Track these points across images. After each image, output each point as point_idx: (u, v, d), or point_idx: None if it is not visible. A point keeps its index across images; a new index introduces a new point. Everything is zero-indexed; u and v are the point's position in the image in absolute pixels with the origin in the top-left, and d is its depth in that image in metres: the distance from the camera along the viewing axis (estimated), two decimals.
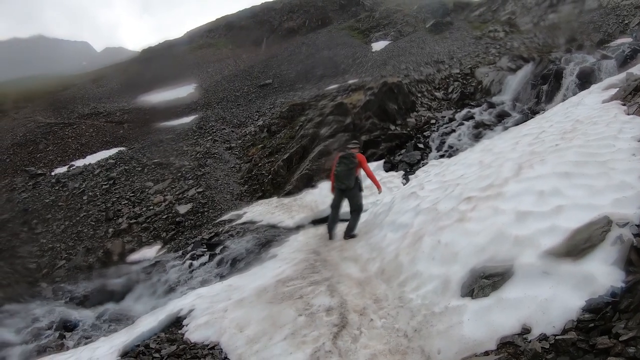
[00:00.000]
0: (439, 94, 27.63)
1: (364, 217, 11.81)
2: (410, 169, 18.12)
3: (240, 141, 31.29)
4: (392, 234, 8.43)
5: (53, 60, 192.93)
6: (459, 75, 29.54)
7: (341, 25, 53.21)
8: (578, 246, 5.01)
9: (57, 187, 28.11)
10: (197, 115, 38.55)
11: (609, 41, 28.13)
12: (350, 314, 6.02)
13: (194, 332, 6.90)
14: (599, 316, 4.14)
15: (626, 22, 31.51)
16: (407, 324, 5.53)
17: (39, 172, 31.18)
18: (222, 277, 12.50)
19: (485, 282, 5.38)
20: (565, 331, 4.18)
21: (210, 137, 32.72)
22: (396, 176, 17.39)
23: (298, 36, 54.34)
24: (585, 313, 4.25)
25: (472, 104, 24.87)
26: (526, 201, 6.52)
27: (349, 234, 10.38)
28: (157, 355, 6.39)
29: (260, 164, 25.73)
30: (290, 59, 46.86)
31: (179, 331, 7.26)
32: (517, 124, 17.47)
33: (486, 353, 4.48)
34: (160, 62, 57.56)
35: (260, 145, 28.44)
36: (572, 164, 7.15)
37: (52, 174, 30.89)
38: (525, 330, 4.46)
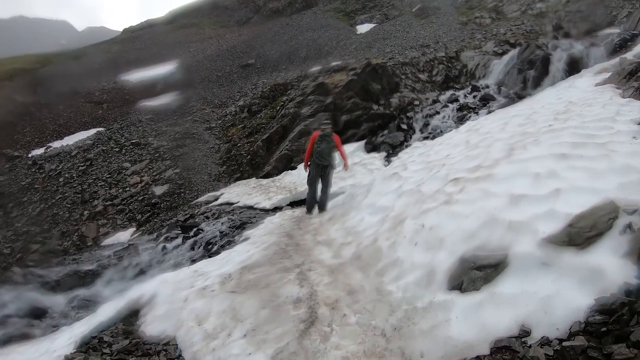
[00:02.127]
0: (423, 76, 26.82)
1: (340, 199, 11.15)
2: (392, 150, 17.50)
3: (220, 121, 30.40)
4: (371, 217, 7.65)
5: (33, 40, 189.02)
6: (444, 58, 28.74)
7: (326, 7, 51.94)
8: (582, 234, 4.34)
9: (33, 170, 27.21)
10: (177, 95, 37.38)
11: (597, 31, 27.44)
12: (320, 308, 5.19)
13: (151, 324, 6.13)
14: (612, 319, 3.43)
15: (614, 13, 30.63)
16: (385, 321, 4.75)
17: (16, 154, 30.11)
18: (193, 261, 11.70)
19: (476, 273, 4.65)
20: (571, 335, 3.50)
21: (190, 117, 31.81)
22: (377, 158, 16.70)
23: (282, 17, 52.81)
24: (596, 314, 3.55)
25: (456, 86, 24.32)
26: (520, 184, 5.84)
27: (323, 208, 10.73)
28: (107, 350, 5.67)
29: (239, 145, 24.93)
30: (274, 39, 45.62)
31: (138, 322, 6.51)
32: (502, 107, 16.86)
33: (478, 358, 3.76)
34: (141, 42, 56.04)
35: (241, 126, 27.58)
36: (568, 145, 6.57)
37: (29, 155, 29.87)
38: (524, 333, 3.76)
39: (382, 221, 7.01)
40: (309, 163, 11.10)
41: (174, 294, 6.84)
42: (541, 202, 5.21)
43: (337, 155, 11.14)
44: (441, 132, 17.67)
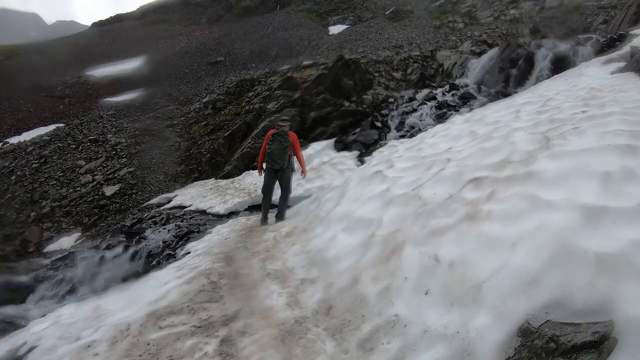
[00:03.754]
0: (397, 75, 24.55)
1: (305, 204, 8.64)
2: (365, 149, 15.36)
3: (183, 118, 27.80)
4: (346, 235, 5.03)
5: (1, 32, 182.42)
6: (419, 57, 26.57)
7: (299, 7, 49.30)
8: None
9: None
10: (142, 92, 34.99)
11: (573, 35, 26.13)
12: None
13: None
14: None
15: (589, 20, 29.75)
16: None
17: None
18: (124, 280, 9.49)
19: None
20: None
21: (152, 114, 29.37)
22: (349, 157, 14.32)
23: (254, 16, 49.96)
24: None
25: (433, 85, 22.14)
26: (585, 188, 3.60)
27: (280, 217, 8.63)
28: None
29: (200, 142, 22.32)
30: (244, 37, 43.07)
31: None
32: (484, 105, 14.93)
33: None
34: (109, 37, 53.10)
35: (204, 123, 24.96)
36: (627, 134, 4.59)
37: None
38: None
39: (364, 245, 4.41)
40: (263, 167, 9.15)
41: (55, 346, 4.56)
42: (636, 219, 2.96)
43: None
44: (419, 130, 15.67)
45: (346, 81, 19.53)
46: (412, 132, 15.81)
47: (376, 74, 23.60)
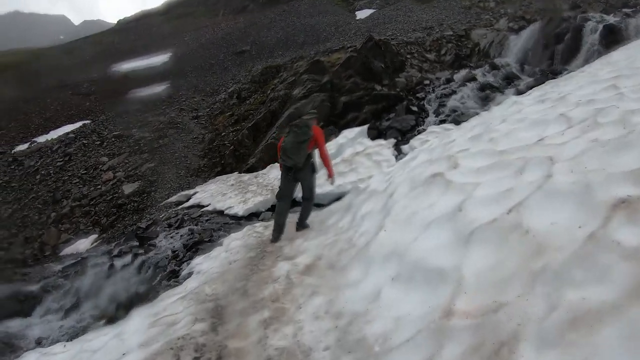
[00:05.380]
0: (430, 56, 22.47)
1: (335, 211, 6.66)
2: (402, 136, 13.48)
3: (208, 109, 26.49)
4: (399, 293, 2.79)
5: (30, 35, 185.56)
6: (452, 37, 24.49)
7: None
8: None
9: (12, 167, 24.22)
10: (168, 85, 34.05)
11: (611, 12, 23.94)
12: None
13: None
14: None
15: None
16: None
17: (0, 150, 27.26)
18: (116, 317, 7.57)
19: None
20: None
21: (177, 106, 28.28)
22: (385, 145, 12.32)
23: (280, 4, 48.13)
24: None
25: (470, 65, 20.01)
26: None
27: (301, 226, 6.88)
28: None
29: (223, 134, 20.68)
30: (270, 26, 41.49)
31: None
32: (530, 87, 12.81)
33: None
34: (135, 33, 52.60)
35: (228, 113, 23.33)
36: None
37: (12, 152, 26.85)
38: None
39: (436, 330, 2.21)
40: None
41: None
42: None
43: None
44: (462, 114, 13.76)
45: (377, 64, 17.54)
46: (453, 116, 13.84)
47: (408, 56, 21.60)
